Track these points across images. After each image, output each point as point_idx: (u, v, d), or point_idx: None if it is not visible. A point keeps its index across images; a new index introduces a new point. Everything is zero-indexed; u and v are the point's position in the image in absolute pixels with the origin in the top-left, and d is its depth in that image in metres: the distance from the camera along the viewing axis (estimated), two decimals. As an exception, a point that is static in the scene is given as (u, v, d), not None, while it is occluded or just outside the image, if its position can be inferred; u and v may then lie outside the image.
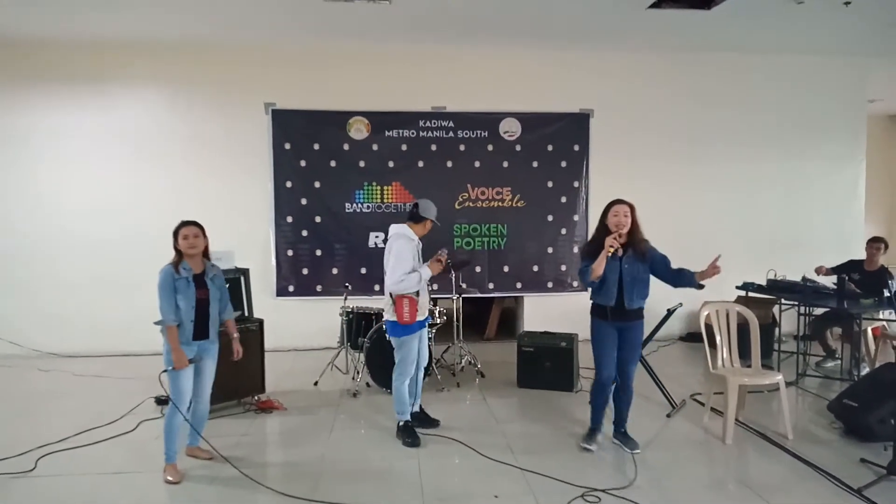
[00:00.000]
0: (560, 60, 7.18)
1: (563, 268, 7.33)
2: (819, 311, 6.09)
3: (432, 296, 5.80)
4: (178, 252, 3.67)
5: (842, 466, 3.72)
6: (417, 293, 4.14)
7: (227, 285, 4.84)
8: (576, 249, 7.28)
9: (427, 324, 4.49)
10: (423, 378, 4.63)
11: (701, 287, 3.79)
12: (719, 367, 4.39)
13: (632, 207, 3.83)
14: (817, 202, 7.68)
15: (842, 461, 3.82)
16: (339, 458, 3.96)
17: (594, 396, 4.09)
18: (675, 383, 5.30)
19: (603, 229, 3.85)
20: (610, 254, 3.71)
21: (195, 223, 3.73)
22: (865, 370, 5.45)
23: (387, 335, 4.38)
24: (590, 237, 4.08)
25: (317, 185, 6.99)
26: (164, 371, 3.62)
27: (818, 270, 6.11)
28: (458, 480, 3.66)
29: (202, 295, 3.70)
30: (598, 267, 3.73)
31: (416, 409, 4.48)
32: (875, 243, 6.02)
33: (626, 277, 3.80)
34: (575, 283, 7.32)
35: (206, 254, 3.78)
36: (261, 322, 5.05)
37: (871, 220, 9.18)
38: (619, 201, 3.85)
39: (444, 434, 4.32)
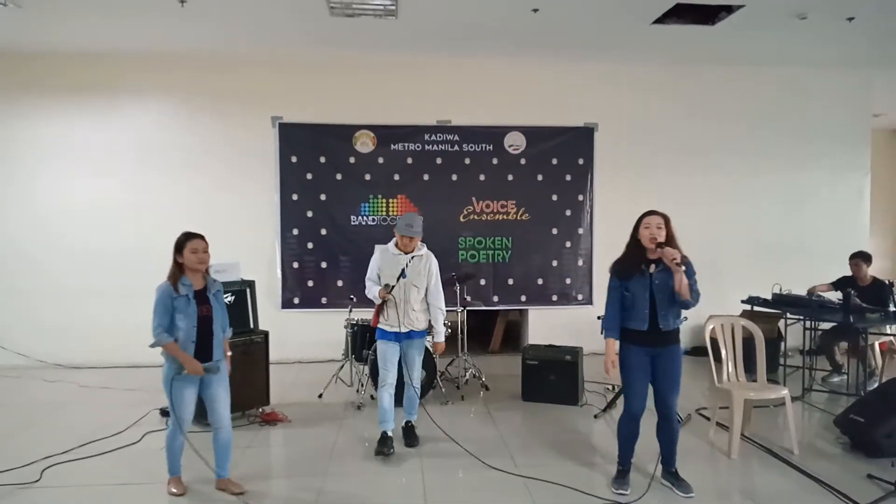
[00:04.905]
0: (565, 74, 7.23)
1: (568, 281, 7.33)
2: (825, 325, 6.06)
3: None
4: (180, 266, 3.40)
5: (848, 482, 3.69)
6: (385, 303, 4.17)
7: (233, 297, 4.94)
8: (581, 262, 7.30)
9: (400, 340, 4.25)
10: (420, 395, 4.51)
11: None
12: (725, 381, 4.38)
13: (666, 218, 3.48)
14: (822, 214, 7.66)
15: (848, 476, 3.79)
16: (342, 472, 3.95)
17: (620, 430, 3.71)
18: (681, 397, 5.12)
19: (634, 245, 3.52)
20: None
21: (202, 236, 3.47)
22: (876, 385, 5.41)
23: None
24: (622, 253, 3.64)
25: (323, 197, 7.04)
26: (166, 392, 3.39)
27: (811, 292, 6.01)
28: (463, 494, 3.66)
29: (205, 312, 3.42)
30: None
31: (406, 422, 4.47)
32: (853, 259, 6.04)
33: (657, 294, 3.43)
34: (580, 297, 7.33)
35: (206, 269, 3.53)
36: (266, 334, 5.07)
37: (877, 232, 9.16)
38: (651, 212, 3.50)
39: (449, 447, 4.30)
